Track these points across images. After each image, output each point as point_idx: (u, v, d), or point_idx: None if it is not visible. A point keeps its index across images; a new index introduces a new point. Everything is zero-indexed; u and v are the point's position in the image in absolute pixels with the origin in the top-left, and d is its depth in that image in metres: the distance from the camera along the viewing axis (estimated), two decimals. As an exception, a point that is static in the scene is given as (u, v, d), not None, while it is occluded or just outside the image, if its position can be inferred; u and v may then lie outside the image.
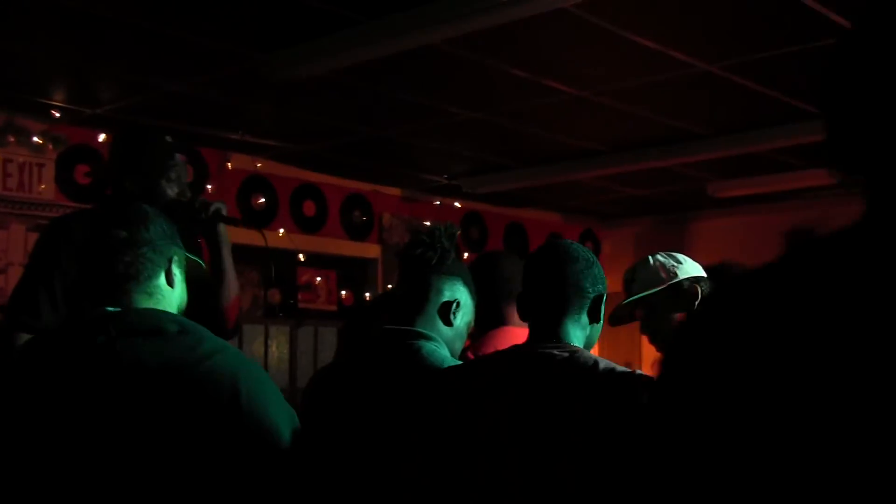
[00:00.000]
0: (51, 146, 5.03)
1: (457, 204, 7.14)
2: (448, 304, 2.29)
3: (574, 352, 1.99)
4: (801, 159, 5.92)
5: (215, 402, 1.75)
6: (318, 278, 6.49)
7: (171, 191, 2.97)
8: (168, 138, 3.05)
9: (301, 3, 3.48)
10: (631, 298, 2.64)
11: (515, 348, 2.06)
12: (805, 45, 3.91)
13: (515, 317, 2.31)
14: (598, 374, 1.90)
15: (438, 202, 7.03)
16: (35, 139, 4.97)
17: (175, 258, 1.98)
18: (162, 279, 1.94)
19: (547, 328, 2.05)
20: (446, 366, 2.16)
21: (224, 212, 2.98)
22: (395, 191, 6.88)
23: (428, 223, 6.65)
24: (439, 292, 2.30)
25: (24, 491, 1.77)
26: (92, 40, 3.90)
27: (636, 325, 2.75)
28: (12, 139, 4.88)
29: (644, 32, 3.77)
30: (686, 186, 6.79)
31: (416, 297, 2.32)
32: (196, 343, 1.82)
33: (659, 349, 2.72)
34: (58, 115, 4.88)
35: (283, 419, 1.83)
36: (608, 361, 1.95)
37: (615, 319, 2.71)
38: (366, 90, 4.57)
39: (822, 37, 3.80)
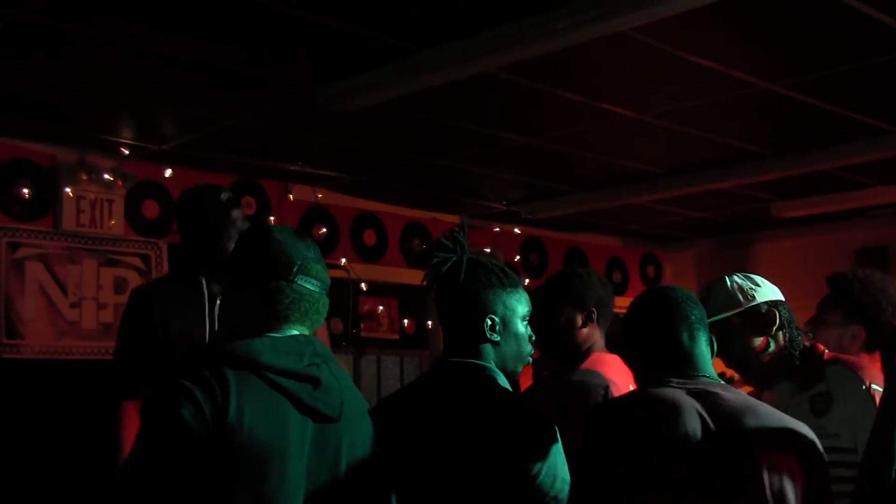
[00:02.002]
0: (120, 182, 5.14)
1: (516, 230, 7.13)
2: (478, 323, 2.22)
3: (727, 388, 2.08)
4: (866, 177, 5.82)
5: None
6: (380, 307, 6.52)
7: (231, 245, 3.20)
8: (224, 195, 3.35)
9: (356, 34, 3.52)
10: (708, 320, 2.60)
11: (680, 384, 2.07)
12: (869, 60, 3.85)
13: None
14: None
15: (498, 228, 7.03)
16: (105, 176, 5.08)
17: None
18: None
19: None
20: (505, 395, 2.14)
21: None
22: (453, 218, 6.89)
23: (487, 249, 6.64)
24: (468, 312, 2.23)
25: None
26: (155, 78, 3.99)
27: None
28: (84, 177, 5.00)
29: (704, 53, 3.74)
30: (748, 207, 6.70)
31: (451, 324, 2.28)
32: (344, 373, 2.14)
33: (742, 374, 2.67)
34: (126, 151, 4.99)
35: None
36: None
37: None
38: (422, 118, 4.60)
39: (886, 51, 3.75)
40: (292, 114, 4.45)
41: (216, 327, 3.21)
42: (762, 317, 2.57)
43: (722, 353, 2.61)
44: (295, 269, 2.01)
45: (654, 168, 5.66)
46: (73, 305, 4.97)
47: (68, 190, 4.95)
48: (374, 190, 6.11)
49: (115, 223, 5.15)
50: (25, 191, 4.86)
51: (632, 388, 2.82)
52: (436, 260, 2.26)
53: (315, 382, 1.99)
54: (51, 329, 4.88)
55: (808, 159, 5.26)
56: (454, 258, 2.26)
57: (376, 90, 3.93)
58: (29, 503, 4.52)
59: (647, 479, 1.94)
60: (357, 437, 2.04)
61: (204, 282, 3.26)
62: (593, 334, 3.00)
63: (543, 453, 2.03)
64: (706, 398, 2.01)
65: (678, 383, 2.06)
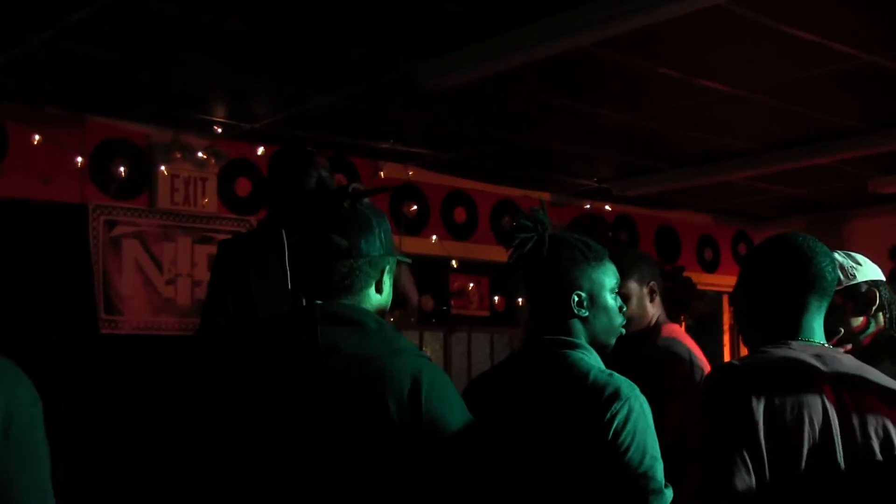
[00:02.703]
0: (213, 161, 5.23)
1: (607, 207, 7.06)
2: (565, 300, 2.20)
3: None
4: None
5: (398, 393, 1.91)
6: (471, 284, 6.53)
7: (310, 182, 3.31)
8: (309, 148, 3.44)
9: (448, 12, 3.51)
10: None
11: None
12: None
13: None
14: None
15: (588, 205, 6.97)
16: (199, 154, 5.17)
17: (388, 267, 2.13)
18: (372, 289, 2.10)
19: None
20: (590, 375, 2.12)
21: (361, 188, 3.18)
22: (544, 195, 6.85)
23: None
24: (555, 289, 2.21)
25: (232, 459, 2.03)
26: (247, 58, 4.04)
27: None
28: (178, 155, 5.10)
29: (803, 24, 3.64)
30: (845, 184, 6.51)
31: (539, 302, 2.26)
32: (391, 339, 2.01)
33: None
34: (219, 130, 5.08)
35: (457, 418, 1.96)
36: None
37: None
38: (514, 96, 4.57)
39: None
40: (384, 92, 4.46)
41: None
42: (862, 296, 2.52)
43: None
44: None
45: (749, 144, 5.54)
46: (169, 282, 5.09)
47: (163, 168, 5.06)
48: (464, 167, 6.10)
49: (208, 201, 5.24)
50: (122, 169, 4.97)
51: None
52: (517, 240, 2.24)
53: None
54: (147, 305, 5.01)
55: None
56: (535, 237, 2.24)
57: (469, 67, 3.91)
58: (124, 474, 4.65)
59: (789, 438, 1.91)
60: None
61: (284, 233, 3.26)
62: (657, 307, 3.11)
63: (632, 429, 2.02)
64: (828, 361, 2.00)
65: (798, 346, 2.03)
